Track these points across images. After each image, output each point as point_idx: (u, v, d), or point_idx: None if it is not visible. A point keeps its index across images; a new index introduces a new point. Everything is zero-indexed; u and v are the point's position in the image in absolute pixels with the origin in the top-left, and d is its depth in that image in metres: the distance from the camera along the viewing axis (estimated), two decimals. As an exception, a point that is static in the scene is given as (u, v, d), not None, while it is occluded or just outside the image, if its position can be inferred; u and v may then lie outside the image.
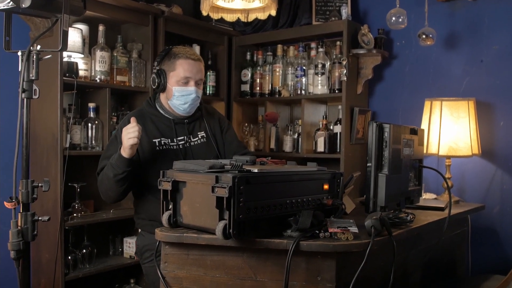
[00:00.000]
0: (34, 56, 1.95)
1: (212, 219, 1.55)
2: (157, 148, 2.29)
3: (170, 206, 1.71)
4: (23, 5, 1.74)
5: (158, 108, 2.39)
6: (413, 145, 2.31)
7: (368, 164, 2.04)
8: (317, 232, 1.61)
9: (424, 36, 3.22)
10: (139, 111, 2.41)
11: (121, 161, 2.10)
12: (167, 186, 1.68)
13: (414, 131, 2.34)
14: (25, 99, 1.93)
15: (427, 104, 3.15)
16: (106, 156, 2.26)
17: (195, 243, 1.62)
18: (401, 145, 2.17)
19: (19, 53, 1.96)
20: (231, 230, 1.48)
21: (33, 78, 1.94)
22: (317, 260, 1.59)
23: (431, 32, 3.22)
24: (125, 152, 2.09)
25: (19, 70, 1.94)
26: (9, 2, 1.75)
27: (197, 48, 3.96)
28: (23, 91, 1.93)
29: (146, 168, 2.26)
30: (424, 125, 3.12)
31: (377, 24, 3.71)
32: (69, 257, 3.03)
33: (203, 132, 2.42)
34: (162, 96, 2.39)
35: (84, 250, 3.12)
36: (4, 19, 1.97)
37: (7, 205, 1.85)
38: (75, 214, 3.07)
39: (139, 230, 2.42)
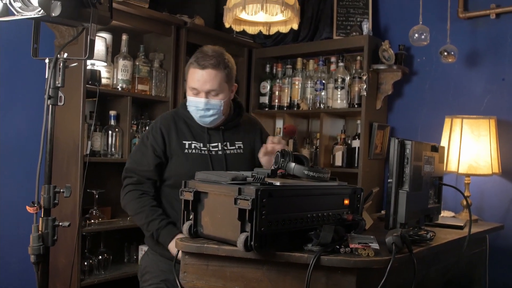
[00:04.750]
0: (61, 64, 1.98)
1: (233, 231, 1.55)
2: (186, 150, 2.19)
3: (191, 216, 1.71)
4: (53, 14, 1.75)
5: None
6: (433, 162, 2.30)
7: (389, 180, 2.03)
8: (338, 247, 1.61)
9: (445, 53, 3.21)
10: (174, 112, 2.32)
11: (159, 243, 2.13)
12: (189, 196, 1.68)
13: (435, 148, 2.33)
14: (50, 105, 1.96)
15: (447, 121, 3.14)
16: (135, 161, 2.22)
17: (215, 254, 1.62)
18: (422, 162, 2.16)
19: (47, 61, 1.99)
20: (252, 243, 1.48)
21: (59, 85, 1.97)
22: (337, 276, 1.58)
23: (453, 49, 3.22)
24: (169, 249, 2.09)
25: (46, 77, 1.97)
26: (39, 11, 1.77)
27: (217, 60, 3.97)
28: (49, 97, 1.95)
29: (169, 171, 2.20)
30: (444, 142, 3.11)
31: (397, 40, 3.72)
32: (85, 263, 3.05)
33: (240, 142, 2.30)
34: None
35: (100, 257, 3.14)
36: (33, 27, 2.00)
37: (29, 209, 1.87)
38: (92, 220, 3.10)
39: (147, 248, 2.31)
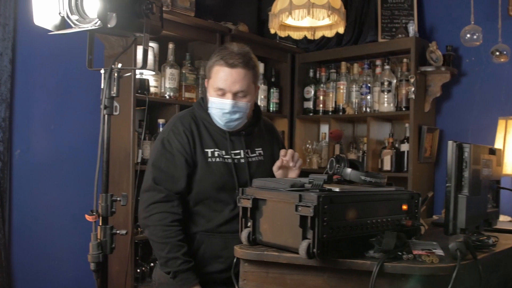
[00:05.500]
0: (115, 74, 2.01)
1: (294, 238, 1.54)
2: (209, 159, 2.00)
3: (249, 224, 1.71)
4: (109, 25, 1.78)
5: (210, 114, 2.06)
6: (491, 165, 2.24)
7: (447, 185, 1.98)
8: (400, 253, 1.57)
9: (497, 53, 3.12)
10: (191, 113, 2.10)
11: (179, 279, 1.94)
12: (247, 203, 1.68)
13: (492, 151, 2.26)
14: (106, 115, 1.99)
15: (501, 123, 3.05)
16: (164, 171, 1.99)
17: (275, 262, 1.61)
18: (481, 166, 2.10)
19: (102, 71, 2.03)
20: (315, 250, 1.47)
21: (114, 95, 2.00)
22: (400, 283, 1.54)
23: (505, 48, 3.13)
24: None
25: (101, 87, 2.01)
26: (96, 23, 1.81)
27: (260, 66, 3.99)
28: (105, 107, 1.99)
29: (193, 183, 2.01)
30: (498, 145, 3.02)
31: (444, 41, 3.64)
32: (138, 270, 3.09)
33: (260, 148, 2.14)
34: None
35: (152, 264, 3.17)
36: (88, 38, 2.04)
37: (88, 218, 1.90)
38: (144, 228, 3.13)
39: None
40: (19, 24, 2.93)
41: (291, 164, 2.04)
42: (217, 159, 2.01)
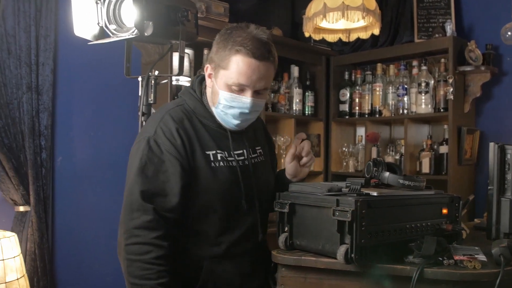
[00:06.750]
0: (153, 81, 2.05)
1: (332, 243, 1.53)
2: (213, 163, 1.66)
3: (286, 229, 1.70)
4: (146, 34, 1.81)
5: (207, 107, 1.74)
6: (535, 167, 2.17)
7: (489, 188, 1.93)
8: (441, 259, 1.54)
9: (539, 51, 3.04)
10: (180, 106, 1.74)
11: None
12: (284, 208, 1.68)
13: (535, 153, 2.20)
14: (144, 122, 2.03)
15: (545, 123, 2.96)
16: (153, 183, 1.58)
17: (313, 267, 1.60)
18: (524, 168, 2.04)
19: (140, 79, 2.07)
20: (353, 255, 1.46)
21: (151, 102, 2.04)
22: (441, 289, 1.51)
23: (547, 46, 3.04)
24: None
25: (139, 94, 2.05)
26: (133, 31, 1.84)
27: (295, 69, 3.98)
28: (143, 114, 2.03)
29: (195, 194, 1.65)
30: (542, 146, 2.92)
31: (483, 39, 3.56)
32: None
33: (259, 146, 1.86)
34: (208, 93, 1.74)
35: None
36: (125, 47, 2.09)
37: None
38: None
39: None
40: (60, 35, 3.01)
41: (304, 159, 1.82)
42: (221, 163, 1.67)
